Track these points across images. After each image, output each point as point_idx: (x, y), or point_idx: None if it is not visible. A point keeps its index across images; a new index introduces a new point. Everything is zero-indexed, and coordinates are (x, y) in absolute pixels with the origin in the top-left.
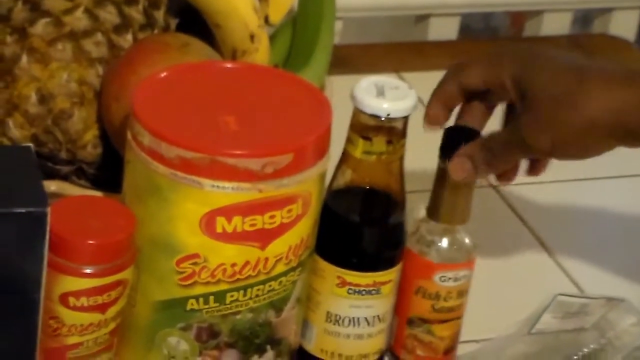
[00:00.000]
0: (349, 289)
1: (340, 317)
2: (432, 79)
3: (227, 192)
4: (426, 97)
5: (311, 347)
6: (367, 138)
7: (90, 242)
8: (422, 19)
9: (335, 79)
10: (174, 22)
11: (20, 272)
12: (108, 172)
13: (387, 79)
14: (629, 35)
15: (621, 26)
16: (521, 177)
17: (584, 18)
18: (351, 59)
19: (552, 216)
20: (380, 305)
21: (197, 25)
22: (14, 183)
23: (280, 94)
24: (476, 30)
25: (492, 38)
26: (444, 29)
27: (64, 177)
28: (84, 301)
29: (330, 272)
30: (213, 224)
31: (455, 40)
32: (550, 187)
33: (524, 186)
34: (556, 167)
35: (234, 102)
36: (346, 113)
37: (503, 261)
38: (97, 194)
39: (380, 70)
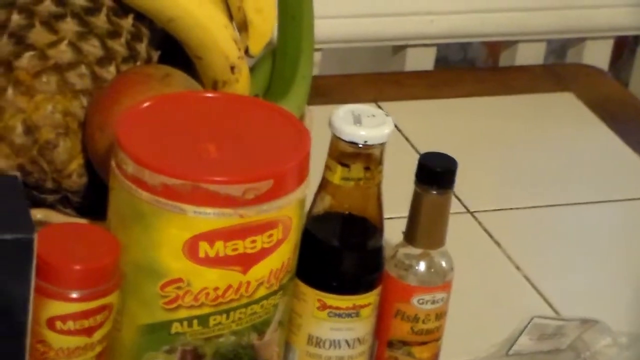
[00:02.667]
0: (329, 312)
1: (321, 340)
2: (409, 108)
3: (209, 218)
4: (404, 126)
5: None
6: (345, 165)
7: (76, 267)
8: (400, 49)
9: (315, 109)
10: (156, 54)
11: (8, 296)
12: (93, 201)
13: (364, 107)
14: (603, 64)
15: (595, 55)
16: (496, 203)
17: (559, 48)
18: (331, 89)
19: (526, 241)
20: (361, 328)
21: (179, 57)
22: (2, 211)
23: (259, 122)
24: (454, 61)
25: (470, 69)
26: (421, 60)
27: (50, 206)
28: (70, 325)
29: (311, 295)
30: (196, 249)
31: (431, 70)
32: (524, 213)
33: (499, 212)
34: (530, 194)
35: (214, 130)
36: (325, 141)
37: (481, 284)
38: (83, 221)
39: (359, 100)
